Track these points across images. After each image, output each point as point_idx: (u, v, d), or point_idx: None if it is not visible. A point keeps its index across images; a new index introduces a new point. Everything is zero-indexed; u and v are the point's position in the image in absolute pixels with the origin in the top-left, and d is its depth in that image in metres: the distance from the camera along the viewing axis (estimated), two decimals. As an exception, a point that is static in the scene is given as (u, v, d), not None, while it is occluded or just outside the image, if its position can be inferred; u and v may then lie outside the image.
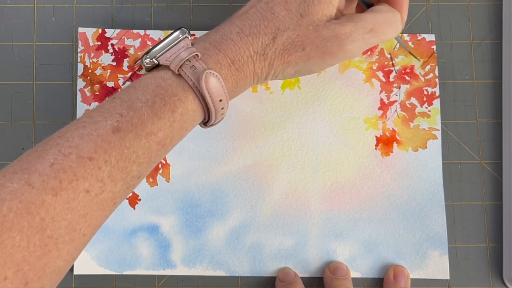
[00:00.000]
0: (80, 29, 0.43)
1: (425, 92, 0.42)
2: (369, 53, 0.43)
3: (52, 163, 0.26)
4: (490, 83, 0.43)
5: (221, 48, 0.31)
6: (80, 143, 0.27)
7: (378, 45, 0.43)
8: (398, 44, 0.43)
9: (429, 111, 0.42)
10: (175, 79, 0.30)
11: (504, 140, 0.42)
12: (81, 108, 0.42)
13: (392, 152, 0.42)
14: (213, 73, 0.29)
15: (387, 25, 0.32)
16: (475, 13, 0.44)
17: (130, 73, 0.43)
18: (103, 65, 0.42)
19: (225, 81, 0.30)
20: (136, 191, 0.41)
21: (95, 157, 0.27)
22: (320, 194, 0.41)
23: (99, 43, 0.43)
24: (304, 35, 0.31)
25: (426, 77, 0.42)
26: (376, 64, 0.43)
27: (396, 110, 0.42)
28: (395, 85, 0.43)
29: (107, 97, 0.42)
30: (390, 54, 0.43)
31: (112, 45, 0.43)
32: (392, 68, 0.43)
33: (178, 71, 0.30)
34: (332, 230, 0.41)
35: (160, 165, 0.42)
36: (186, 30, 0.31)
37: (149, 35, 0.43)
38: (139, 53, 0.43)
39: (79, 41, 0.43)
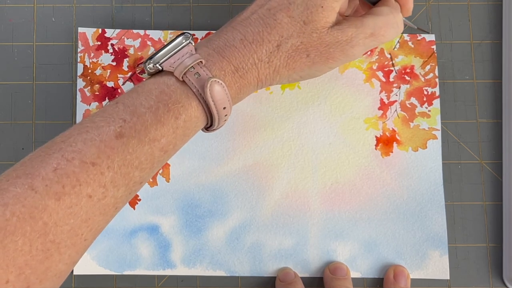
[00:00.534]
0: (80, 29, 0.43)
1: (425, 92, 0.42)
2: (369, 53, 0.43)
3: (55, 168, 0.26)
4: (490, 83, 0.43)
5: (225, 55, 0.31)
6: (83, 148, 0.27)
7: (378, 45, 0.43)
8: (398, 43, 0.43)
9: (429, 111, 0.42)
10: (179, 85, 0.30)
11: (504, 140, 0.42)
12: (81, 108, 0.42)
13: (392, 152, 0.42)
14: (218, 81, 0.29)
15: (387, 28, 0.32)
16: (475, 13, 0.44)
17: (130, 73, 0.43)
18: (103, 65, 0.42)
19: (228, 88, 0.30)
20: (136, 191, 0.41)
21: (98, 162, 0.27)
22: (320, 194, 0.41)
23: (99, 43, 0.43)
24: (308, 42, 0.31)
25: (426, 77, 0.42)
26: (376, 64, 0.43)
27: (396, 110, 0.42)
28: (395, 85, 0.43)
29: (107, 98, 0.42)
30: (390, 54, 0.43)
31: (112, 45, 0.43)
32: (392, 68, 0.43)
33: (182, 78, 0.30)
34: (332, 230, 0.41)
35: (160, 165, 0.42)
36: (189, 35, 0.31)
37: (149, 35, 0.43)
38: (139, 53, 0.43)
39: (79, 41, 0.43)
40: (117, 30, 0.43)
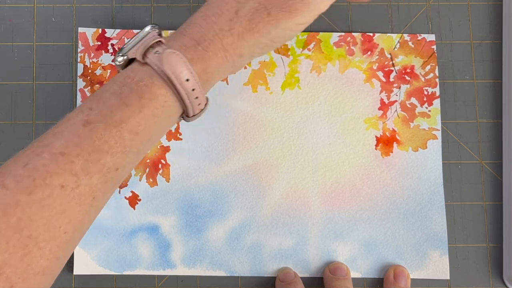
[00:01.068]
0: (80, 29, 0.43)
1: (425, 92, 0.42)
2: (369, 53, 0.43)
3: (26, 164, 0.26)
4: (490, 83, 0.43)
5: (187, 33, 0.31)
6: (52, 141, 0.27)
7: (378, 45, 0.43)
8: (399, 43, 0.43)
9: (429, 111, 0.42)
10: (141, 67, 0.30)
11: (504, 140, 0.42)
12: (81, 108, 0.42)
13: (392, 152, 0.42)
14: (174, 52, 0.29)
15: None
16: (475, 13, 0.44)
17: (130, 73, 0.43)
18: (103, 65, 0.42)
19: (192, 62, 0.30)
20: (136, 191, 0.41)
21: (66, 151, 0.26)
22: (320, 194, 0.41)
23: (99, 43, 0.43)
24: (265, 1, 0.31)
25: (426, 77, 0.42)
26: (376, 64, 0.43)
27: (396, 110, 0.42)
28: (395, 85, 0.43)
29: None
30: (390, 54, 0.43)
31: (112, 45, 0.43)
32: (392, 68, 0.43)
33: (143, 58, 0.30)
34: (332, 230, 0.41)
35: (160, 165, 0.42)
36: (156, 25, 0.31)
37: (149, 35, 0.43)
38: (139, 53, 0.43)
39: (79, 41, 0.43)
40: (117, 30, 0.43)
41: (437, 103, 0.42)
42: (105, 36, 0.43)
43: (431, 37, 0.43)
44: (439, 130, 0.42)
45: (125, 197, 0.41)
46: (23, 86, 0.43)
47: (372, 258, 0.41)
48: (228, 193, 0.41)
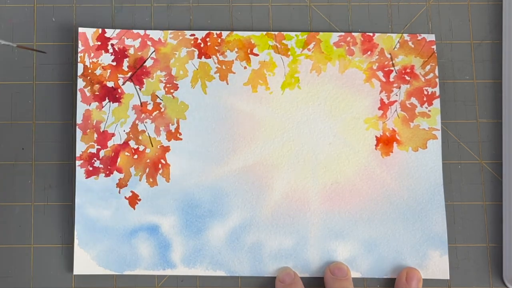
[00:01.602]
0: (80, 29, 0.43)
1: (425, 92, 0.42)
2: (369, 53, 0.43)
3: None
4: (490, 83, 0.43)
5: None
6: None
7: (378, 45, 0.43)
8: (399, 43, 0.43)
9: (429, 111, 0.42)
10: None
11: (504, 140, 0.42)
12: (81, 108, 0.42)
13: (392, 152, 0.42)
14: None
15: None
16: (475, 13, 0.44)
17: (130, 73, 0.43)
18: (103, 65, 0.42)
19: None
20: (136, 191, 0.41)
21: None
22: (320, 194, 0.41)
23: (99, 43, 0.43)
24: None
25: (426, 77, 0.42)
26: (376, 64, 0.43)
27: (396, 110, 0.42)
28: (395, 85, 0.43)
29: (107, 98, 0.42)
30: (390, 54, 0.43)
31: (112, 45, 0.43)
32: (392, 68, 0.43)
33: None
34: (332, 230, 0.41)
35: (160, 165, 0.42)
36: None
37: (149, 35, 0.43)
38: (139, 53, 0.43)
39: (79, 41, 0.43)
40: (117, 30, 0.43)
41: (437, 103, 0.42)
42: (105, 36, 0.43)
43: (431, 37, 0.43)
44: (439, 130, 0.42)
45: (125, 197, 0.41)
46: (23, 86, 0.43)
47: (372, 258, 0.41)
48: (228, 193, 0.41)
